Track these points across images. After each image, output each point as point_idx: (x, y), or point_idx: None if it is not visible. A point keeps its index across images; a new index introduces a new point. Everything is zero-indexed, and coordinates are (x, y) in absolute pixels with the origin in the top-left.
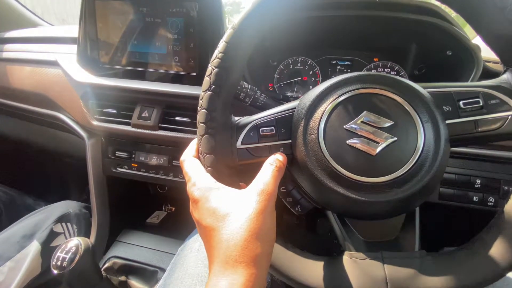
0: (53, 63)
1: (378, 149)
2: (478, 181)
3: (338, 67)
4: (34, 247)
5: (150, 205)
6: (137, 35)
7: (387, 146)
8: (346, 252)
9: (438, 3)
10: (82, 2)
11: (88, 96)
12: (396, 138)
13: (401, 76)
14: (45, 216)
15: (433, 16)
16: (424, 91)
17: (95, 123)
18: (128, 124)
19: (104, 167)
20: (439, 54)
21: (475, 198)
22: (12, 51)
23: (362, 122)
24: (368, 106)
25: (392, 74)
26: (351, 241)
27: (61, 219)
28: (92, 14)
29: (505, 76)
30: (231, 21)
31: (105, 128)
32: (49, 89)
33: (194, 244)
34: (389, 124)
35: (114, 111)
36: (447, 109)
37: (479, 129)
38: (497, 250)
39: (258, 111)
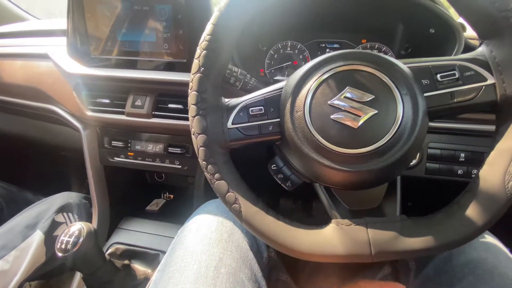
0: (44, 56)
1: (360, 122)
2: (463, 154)
3: (327, 50)
4: (38, 236)
5: (149, 193)
6: (126, 24)
7: (368, 119)
8: (332, 220)
9: None
10: None
11: (80, 87)
12: (376, 111)
13: (389, 56)
14: (46, 207)
15: None
16: (403, 66)
17: (89, 113)
18: (122, 113)
19: (101, 157)
20: (423, 33)
21: (459, 171)
22: (1, 46)
23: (345, 97)
24: (351, 82)
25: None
26: (337, 210)
27: (62, 209)
28: (80, 4)
29: (480, 49)
30: (218, 4)
31: (99, 118)
32: (41, 82)
33: (193, 225)
34: (370, 98)
35: (107, 101)
36: (426, 82)
37: (455, 100)
38: (472, 211)
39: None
